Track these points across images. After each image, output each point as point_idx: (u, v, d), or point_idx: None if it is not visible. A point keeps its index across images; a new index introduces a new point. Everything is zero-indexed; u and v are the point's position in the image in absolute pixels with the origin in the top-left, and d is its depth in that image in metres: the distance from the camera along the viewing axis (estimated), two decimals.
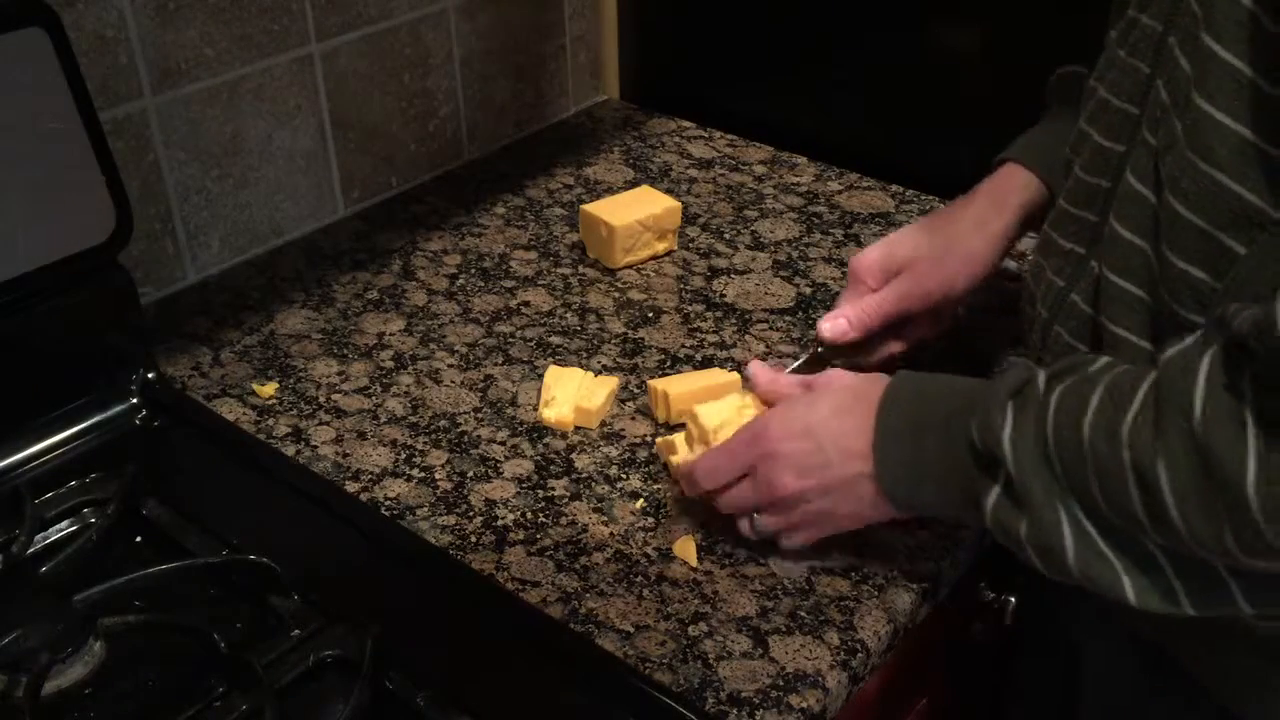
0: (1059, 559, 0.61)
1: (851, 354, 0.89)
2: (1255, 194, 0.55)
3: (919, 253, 0.87)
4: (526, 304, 1.05)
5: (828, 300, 1.05)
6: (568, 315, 1.03)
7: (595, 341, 1.00)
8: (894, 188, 1.23)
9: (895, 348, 0.90)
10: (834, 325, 0.87)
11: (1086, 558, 0.60)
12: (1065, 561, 0.61)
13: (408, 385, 0.95)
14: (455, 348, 0.99)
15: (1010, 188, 0.87)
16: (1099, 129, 0.69)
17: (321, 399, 0.93)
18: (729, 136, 1.34)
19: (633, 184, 1.22)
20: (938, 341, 0.92)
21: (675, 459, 0.81)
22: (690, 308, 1.04)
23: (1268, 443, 0.50)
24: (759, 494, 0.75)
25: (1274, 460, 0.50)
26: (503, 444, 0.88)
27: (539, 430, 0.89)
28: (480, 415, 0.91)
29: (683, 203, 1.15)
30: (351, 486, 0.84)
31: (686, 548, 0.78)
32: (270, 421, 0.91)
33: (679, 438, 0.82)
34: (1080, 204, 0.70)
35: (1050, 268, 0.73)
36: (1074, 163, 0.72)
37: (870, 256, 0.88)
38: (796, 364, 0.90)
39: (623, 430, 0.89)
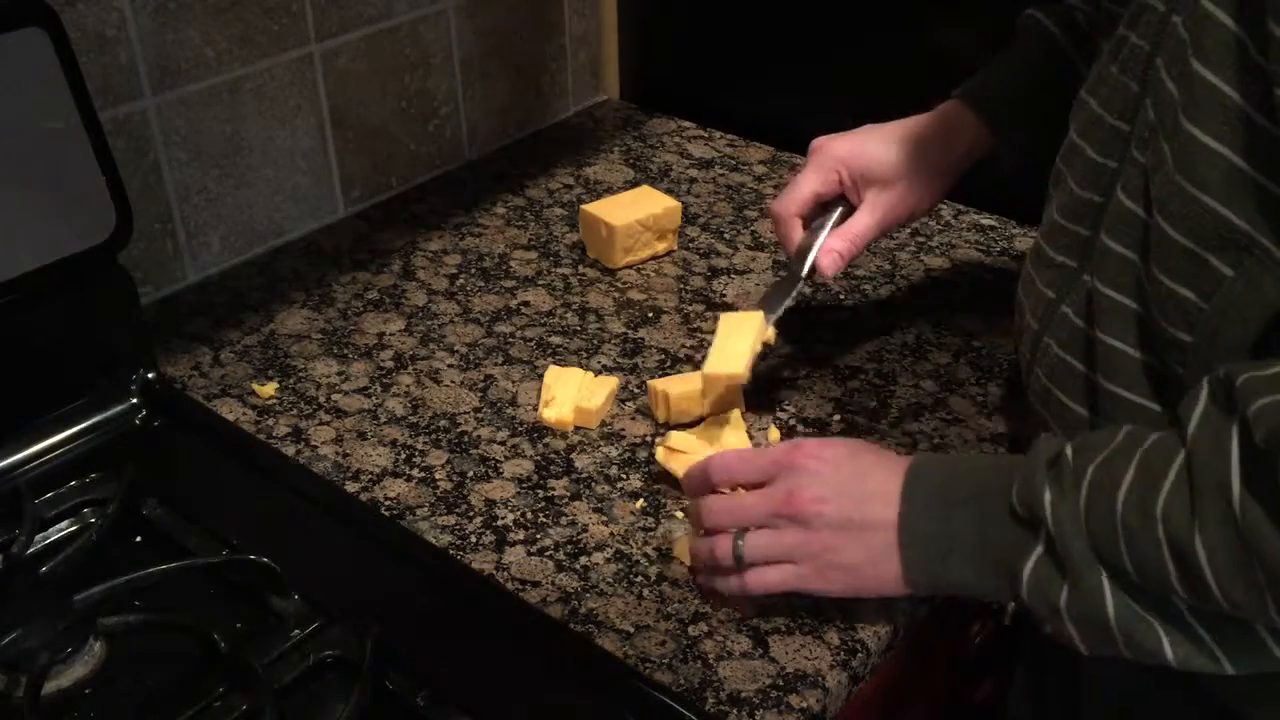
0: (1099, 623, 0.60)
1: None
2: (1242, 218, 0.55)
3: (897, 172, 0.87)
4: (526, 304, 1.05)
5: (828, 300, 1.05)
6: (568, 315, 1.03)
7: (595, 341, 1.00)
8: None
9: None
10: (831, 261, 0.86)
11: (1129, 620, 0.60)
12: (1107, 624, 0.60)
13: (408, 385, 0.95)
14: (455, 348, 0.99)
15: (963, 124, 0.88)
16: (1091, 144, 0.69)
17: (321, 399, 0.93)
18: (729, 136, 1.34)
19: (633, 184, 1.22)
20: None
21: (677, 450, 0.81)
22: (690, 308, 1.04)
23: None
24: (771, 502, 0.70)
25: None
26: (503, 444, 0.88)
27: (539, 430, 0.89)
28: (480, 415, 0.91)
29: (683, 203, 1.15)
30: (351, 486, 0.84)
31: (684, 548, 0.78)
32: (270, 421, 0.91)
33: (686, 435, 0.82)
34: (1072, 218, 0.70)
35: (1041, 280, 0.73)
36: (1066, 176, 0.72)
37: (840, 151, 0.88)
38: (779, 312, 0.88)
39: (623, 430, 0.89)
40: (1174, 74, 0.59)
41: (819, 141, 0.90)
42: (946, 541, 0.67)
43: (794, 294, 0.88)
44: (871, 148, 0.88)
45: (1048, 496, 0.61)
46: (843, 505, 0.69)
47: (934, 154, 0.88)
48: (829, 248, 0.87)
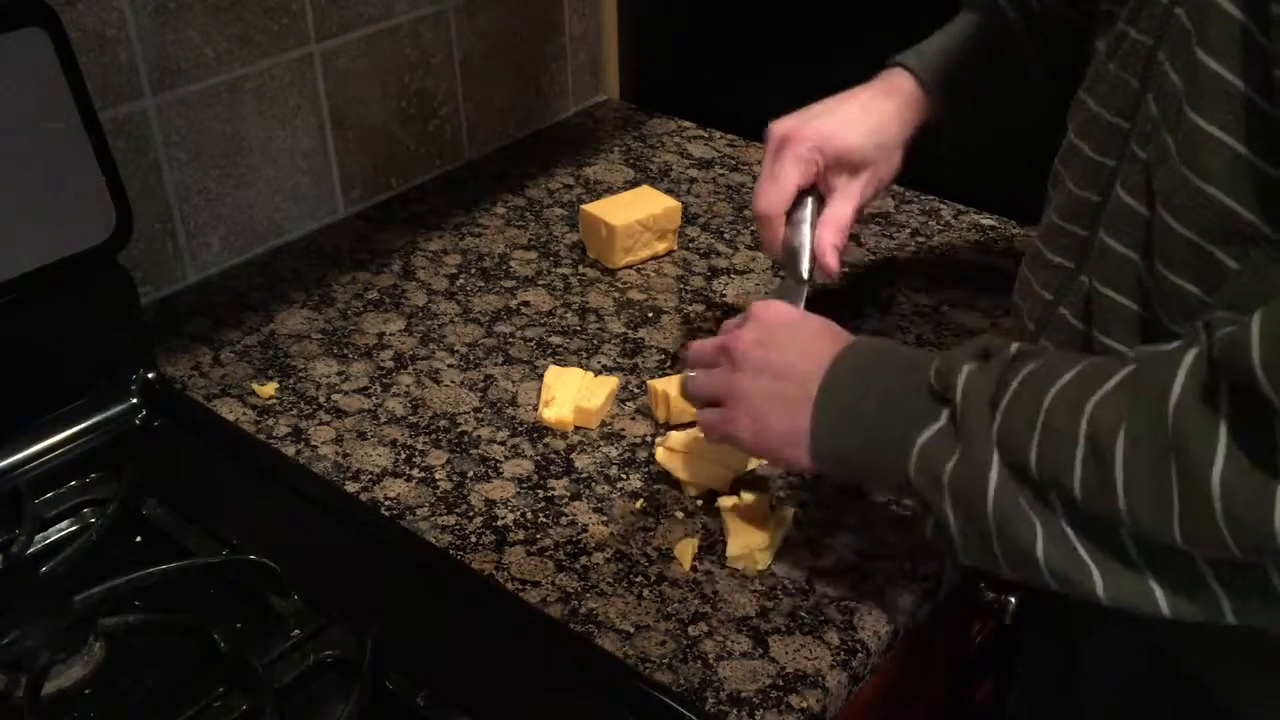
0: (977, 503, 0.59)
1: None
2: (1248, 209, 0.55)
3: (869, 157, 0.86)
4: (526, 304, 1.05)
5: (828, 300, 1.05)
6: (568, 315, 1.03)
7: (595, 341, 1.00)
8: (893, 187, 1.22)
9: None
10: (836, 259, 0.85)
11: (1007, 505, 0.59)
12: (984, 506, 0.59)
13: (408, 385, 0.95)
14: (455, 348, 0.99)
15: (914, 98, 0.88)
16: (1089, 143, 0.69)
17: (321, 399, 0.93)
18: (729, 136, 1.34)
19: (633, 184, 1.22)
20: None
21: (677, 450, 0.82)
22: (690, 308, 1.04)
23: (1238, 440, 0.50)
24: (719, 341, 0.75)
25: (1241, 457, 0.50)
26: (503, 444, 0.88)
27: (539, 430, 0.89)
28: (480, 415, 0.91)
29: (683, 203, 1.15)
30: (351, 486, 0.84)
31: (685, 550, 0.78)
32: (270, 421, 0.91)
33: (686, 435, 0.83)
34: (1069, 218, 0.70)
35: (1038, 281, 0.73)
36: (1064, 176, 0.72)
37: (814, 138, 0.87)
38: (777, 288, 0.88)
39: (623, 430, 0.89)
40: (1178, 65, 0.59)
41: (787, 129, 0.87)
42: (856, 407, 0.67)
43: (803, 298, 0.86)
44: (844, 134, 0.87)
45: (966, 369, 0.62)
46: (771, 349, 0.72)
47: (895, 130, 0.87)
48: (830, 244, 0.85)
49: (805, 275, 0.86)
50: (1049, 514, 0.58)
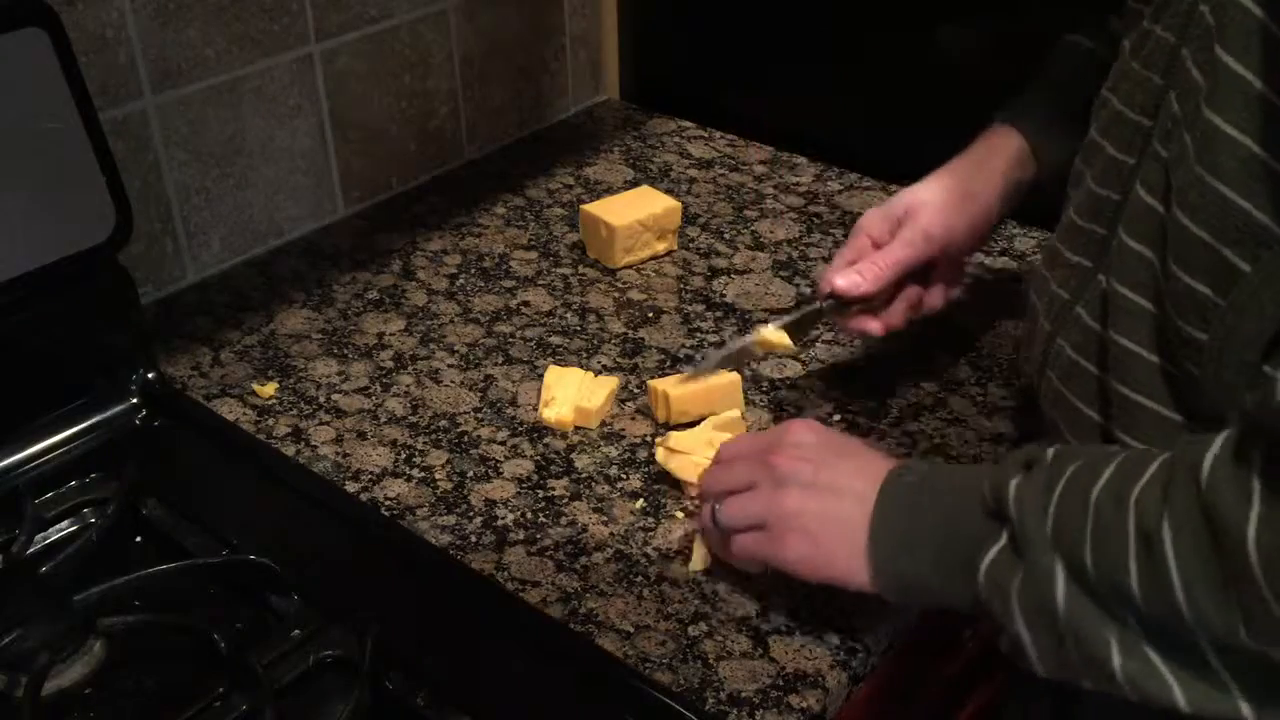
0: (1048, 616, 0.59)
1: (853, 312, 0.86)
2: (1261, 210, 0.54)
3: (918, 199, 0.86)
4: (526, 304, 1.05)
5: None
6: (568, 315, 1.03)
7: (595, 341, 1.00)
8: (894, 188, 1.22)
9: (902, 308, 0.87)
10: (848, 278, 0.83)
11: (1078, 615, 0.58)
12: (1055, 617, 0.58)
13: (408, 385, 0.95)
14: (455, 348, 0.99)
15: (1003, 143, 0.87)
16: (1111, 141, 0.68)
17: (321, 399, 0.93)
18: (729, 136, 1.34)
19: (633, 184, 1.22)
20: (946, 306, 0.90)
21: (677, 450, 0.82)
22: (690, 308, 1.04)
23: (1269, 502, 0.50)
24: (752, 463, 0.72)
25: (1275, 517, 0.50)
26: (503, 444, 0.88)
27: (539, 430, 0.89)
28: (480, 415, 0.91)
29: (683, 203, 1.15)
30: (351, 486, 0.84)
31: (697, 550, 0.77)
32: (270, 421, 0.91)
33: (686, 435, 0.83)
34: (1089, 217, 0.70)
35: (1055, 280, 0.73)
36: (1085, 174, 0.71)
37: (872, 211, 0.87)
38: (789, 319, 0.86)
39: (623, 430, 0.89)
40: (1199, 63, 0.58)
41: (913, 205, 0.86)
42: (915, 533, 0.66)
43: (805, 309, 0.86)
44: (894, 199, 0.87)
45: (1014, 482, 0.61)
46: (819, 467, 0.69)
47: (963, 175, 0.87)
48: (843, 268, 0.84)
49: (822, 290, 0.85)
50: (1121, 626, 0.57)
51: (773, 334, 0.84)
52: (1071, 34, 0.89)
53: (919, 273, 0.87)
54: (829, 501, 0.68)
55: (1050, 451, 0.62)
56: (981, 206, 0.86)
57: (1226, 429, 0.54)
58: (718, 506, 0.72)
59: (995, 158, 0.87)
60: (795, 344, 0.85)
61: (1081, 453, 0.61)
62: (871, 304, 0.85)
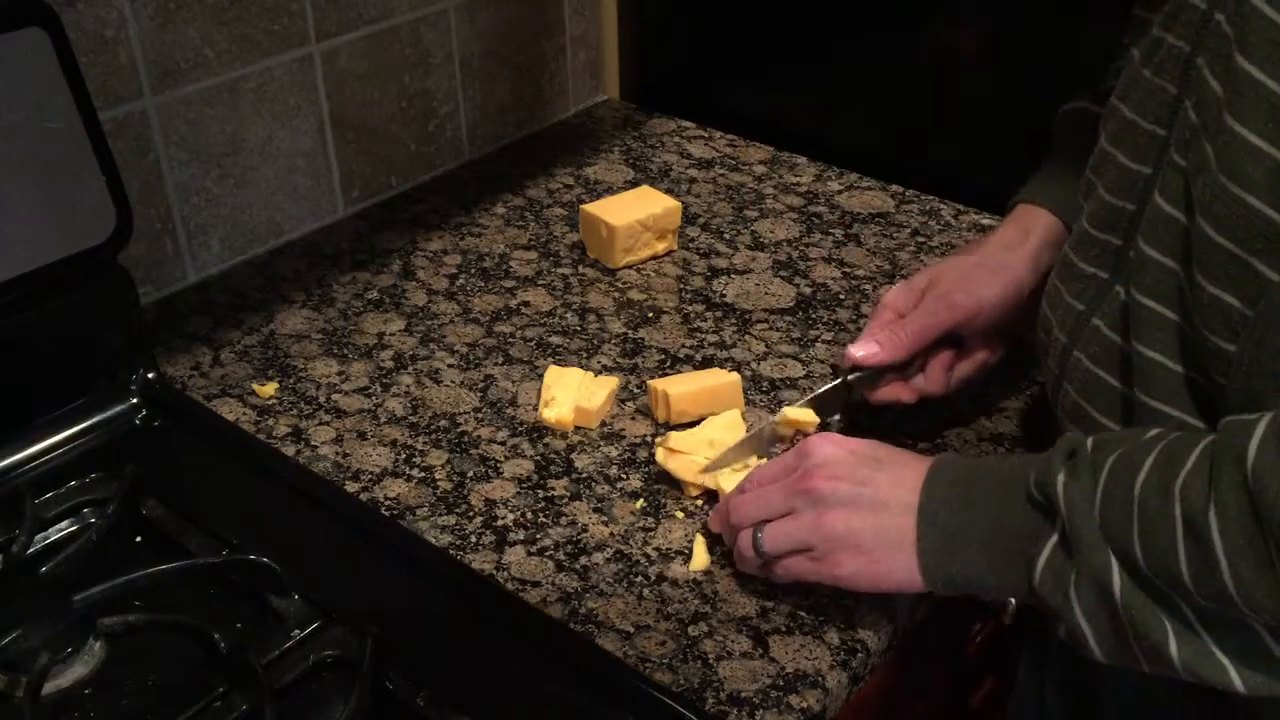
0: (1108, 607, 0.59)
1: (881, 382, 0.85)
2: None
3: (941, 270, 0.86)
4: (526, 304, 1.05)
5: (828, 300, 1.05)
6: (568, 315, 1.03)
7: (595, 341, 1.00)
8: (894, 188, 1.23)
9: (939, 371, 0.86)
10: (866, 347, 0.83)
11: (1136, 604, 0.58)
12: (1115, 609, 0.59)
13: (408, 385, 0.95)
14: (455, 348, 0.99)
15: (1032, 221, 0.86)
16: (1123, 150, 0.68)
17: (321, 399, 0.93)
18: (729, 136, 1.34)
19: (633, 184, 1.22)
20: (987, 371, 0.88)
21: (677, 450, 0.81)
22: (690, 308, 1.04)
23: None
24: (787, 487, 0.71)
25: None
26: (503, 444, 0.88)
27: (539, 430, 0.89)
28: (480, 415, 0.91)
29: (683, 203, 1.15)
30: (351, 486, 0.84)
31: (699, 548, 0.77)
32: (270, 421, 0.91)
33: (686, 435, 0.83)
34: (1103, 227, 0.69)
35: (1069, 292, 0.72)
36: (1096, 185, 0.71)
37: (896, 286, 0.87)
38: (818, 391, 0.86)
39: (623, 430, 0.89)
40: (1217, 72, 0.58)
41: (936, 275, 0.86)
42: (964, 533, 0.66)
43: (828, 384, 0.86)
44: (918, 274, 0.86)
45: (1061, 478, 0.61)
46: (857, 483, 0.69)
47: (990, 247, 0.86)
48: (864, 339, 0.84)
49: (845, 368, 0.85)
50: (1176, 614, 0.58)
51: (797, 413, 0.83)
52: (1070, 102, 0.88)
53: (953, 344, 0.86)
54: (878, 517, 0.68)
55: (1090, 442, 0.62)
56: (1011, 278, 0.84)
57: (1269, 411, 0.54)
58: (759, 535, 0.71)
59: (1026, 234, 0.86)
60: (821, 420, 0.84)
61: (1119, 439, 0.61)
62: (903, 373, 0.85)
